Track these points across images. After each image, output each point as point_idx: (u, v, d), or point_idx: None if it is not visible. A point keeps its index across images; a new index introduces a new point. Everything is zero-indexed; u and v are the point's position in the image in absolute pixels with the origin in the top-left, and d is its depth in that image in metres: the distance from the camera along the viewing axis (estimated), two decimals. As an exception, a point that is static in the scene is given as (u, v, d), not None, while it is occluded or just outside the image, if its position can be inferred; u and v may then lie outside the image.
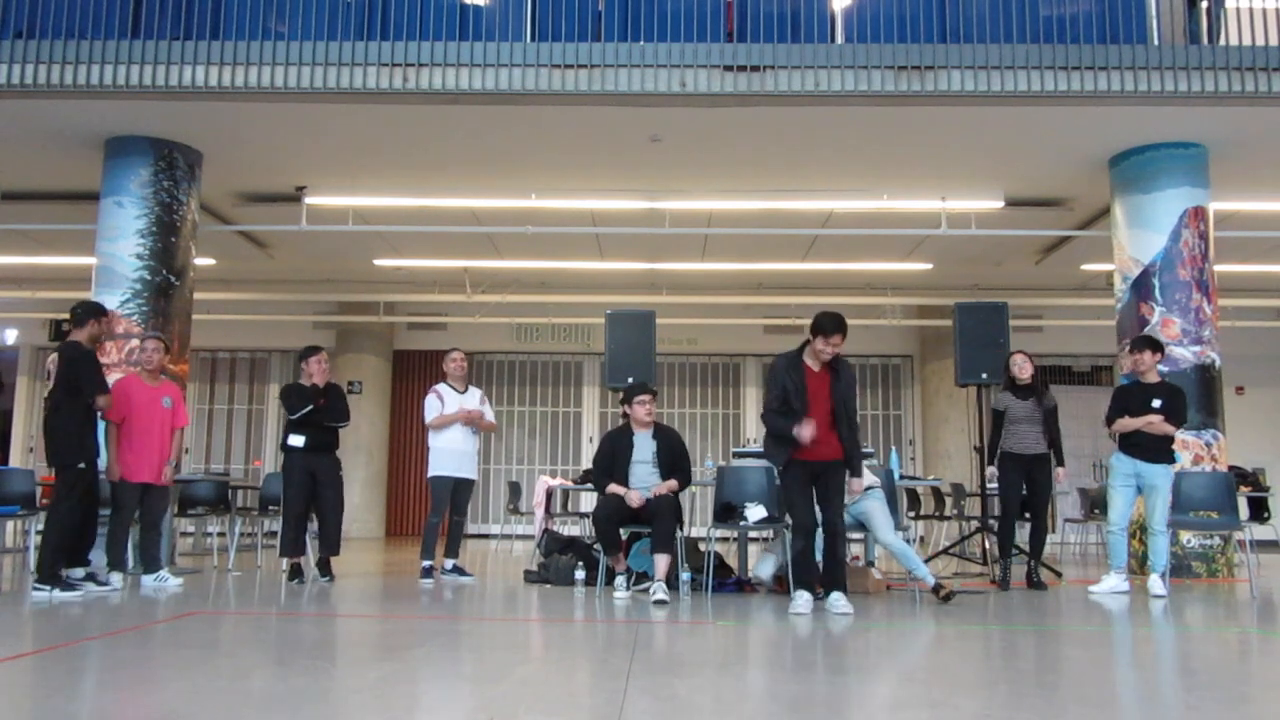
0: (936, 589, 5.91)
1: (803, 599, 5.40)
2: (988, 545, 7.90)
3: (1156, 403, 6.55)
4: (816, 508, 5.48)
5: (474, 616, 5.34)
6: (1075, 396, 13.51)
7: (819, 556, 5.57)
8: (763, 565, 6.53)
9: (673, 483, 6.28)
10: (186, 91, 7.04)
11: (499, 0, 7.30)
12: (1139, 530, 7.31)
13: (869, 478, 6.18)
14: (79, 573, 6.10)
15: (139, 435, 6.49)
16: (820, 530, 5.48)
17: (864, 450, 6.60)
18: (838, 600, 5.36)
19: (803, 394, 5.43)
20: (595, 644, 4.44)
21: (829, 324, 5.37)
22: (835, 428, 5.48)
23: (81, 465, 5.93)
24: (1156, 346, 6.77)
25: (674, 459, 6.40)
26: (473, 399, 7.41)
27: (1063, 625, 5.18)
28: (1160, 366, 7.62)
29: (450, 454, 7.23)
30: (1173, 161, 7.87)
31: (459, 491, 7.27)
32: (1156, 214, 7.88)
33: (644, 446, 6.42)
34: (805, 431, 5.33)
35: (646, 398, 6.48)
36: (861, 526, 6.21)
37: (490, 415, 7.55)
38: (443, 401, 7.27)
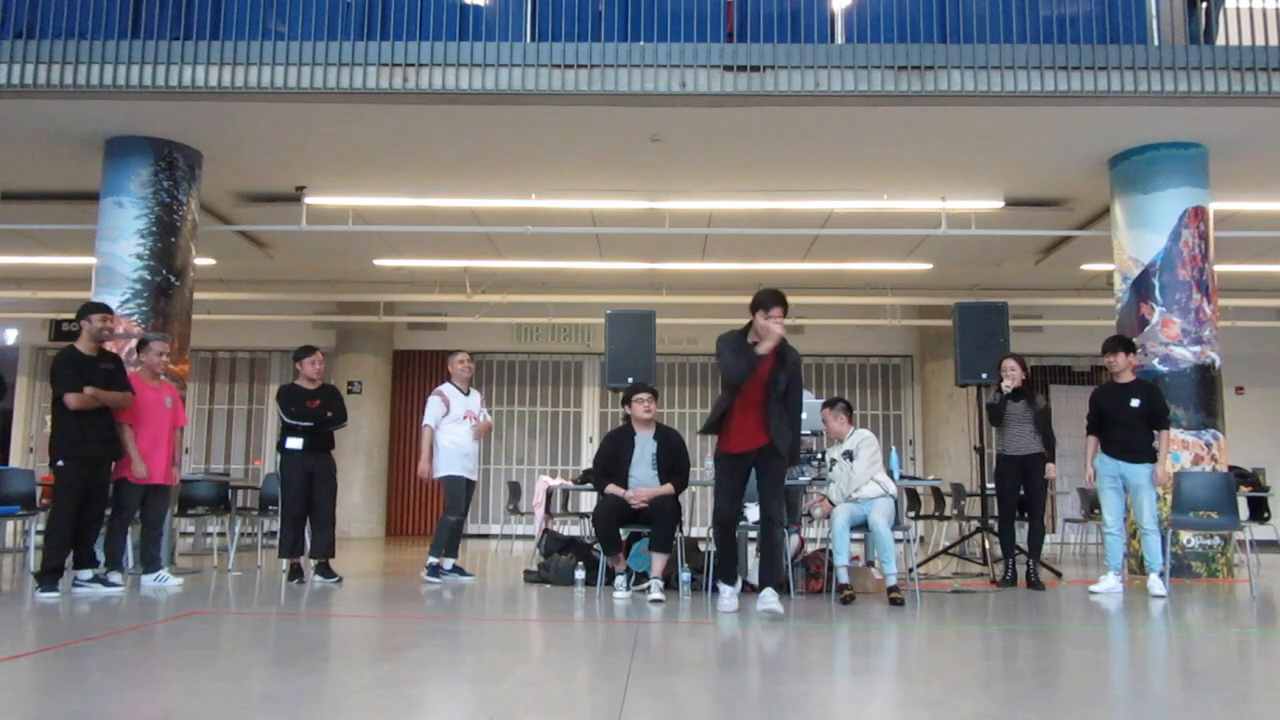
0: (892, 589, 5.87)
1: (727, 593, 5.42)
2: (988, 545, 7.90)
3: (1135, 402, 6.59)
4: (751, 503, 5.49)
5: (474, 616, 5.34)
6: (1075, 396, 13.48)
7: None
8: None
9: (667, 487, 6.29)
10: (186, 91, 7.03)
11: (499, 0, 7.30)
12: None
13: (885, 486, 6.15)
14: (86, 573, 6.10)
15: (147, 436, 6.50)
16: (759, 521, 5.45)
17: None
18: (768, 597, 5.17)
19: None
20: (595, 644, 4.44)
21: (767, 298, 5.20)
22: (766, 411, 5.26)
23: (60, 464, 5.92)
24: (1129, 347, 6.85)
25: (673, 460, 6.39)
26: (474, 402, 7.43)
27: (1063, 625, 5.18)
28: (1160, 366, 7.66)
29: (459, 453, 7.23)
30: (1173, 161, 7.87)
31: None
32: (1156, 214, 7.88)
33: (644, 447, 6.41)
34: (765, 343, 5.15)
35: (645, 396, 6.47)
36: (862, 527, 6.21)
37: (488, 417, 7.62)
38: (448, 405, 7.27)
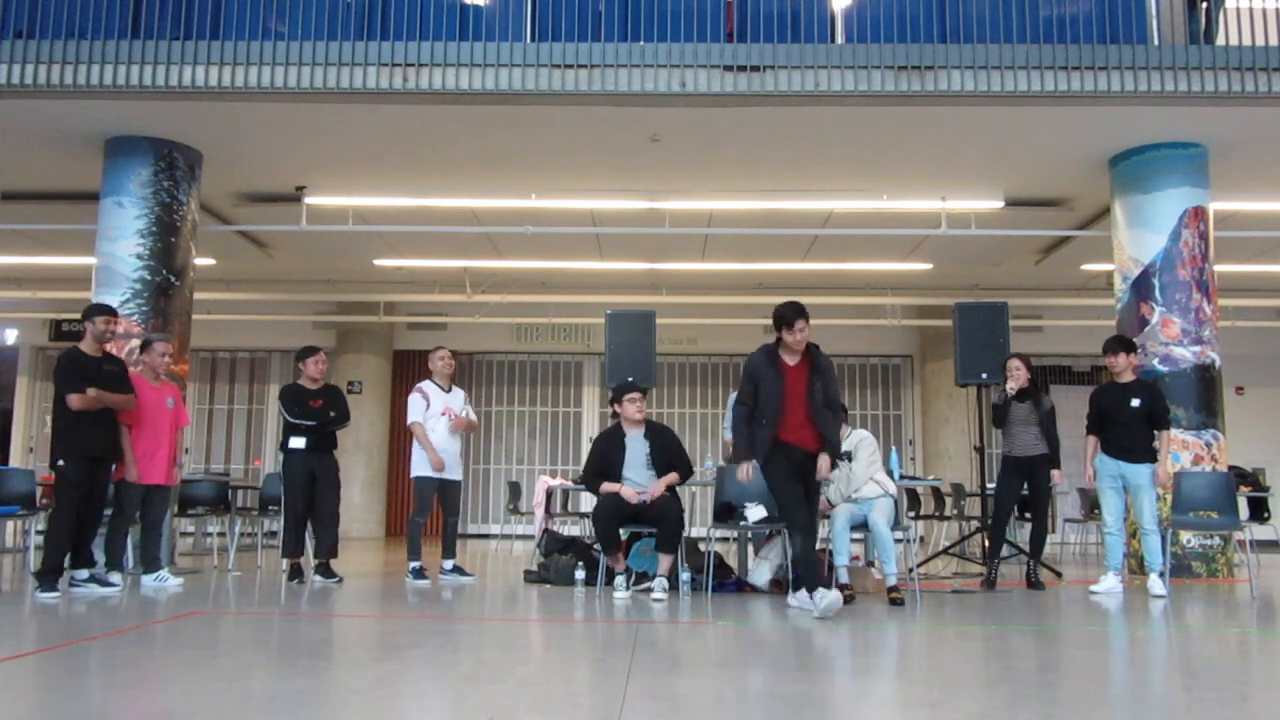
0: (892, 588, 5.87)
1: (825, 596, 5.14)
2: (987, 545, 7.89)
3: (1135, 402, 6.59)
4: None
5: (473, 616, 5.34)
6: (1075, 397, 13.46)
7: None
8: (759, 571, 6.52)
9: (672, 476, 6.27)
10: (186, 91, 7.03)
11: (499, 0, 7.30)
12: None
13: (885, 486, 6.14)
14: (83, 573, 6.10)
15: (149, 436, 6.50)
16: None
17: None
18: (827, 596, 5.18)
19: (778, 387, 5.41)
20: (595, 644, 4.44)
21: (789, 312, 5.37)
22: (812, 419, 5.45)
23: (61, 463, 5.92)
24: (1130, 347, 6.85)
25: (670, 457, 6.37)
26: (457, 399, 7.39)
27: (1063, 625, 5.18)
28: (1160, 366, 7.67)
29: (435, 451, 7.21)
30: (1173, 161, 7.87)
31: (447, 493, 7.23)
32: (1156, 214, 7.88)
33: (636, 448, 6.38)
34: (742, 474, 5.47)
35: (636, 395, 6.48)
36: (862, 526, 6.21)
37: (472, 415, 7.55)
38: (428, 401, 7.22)
